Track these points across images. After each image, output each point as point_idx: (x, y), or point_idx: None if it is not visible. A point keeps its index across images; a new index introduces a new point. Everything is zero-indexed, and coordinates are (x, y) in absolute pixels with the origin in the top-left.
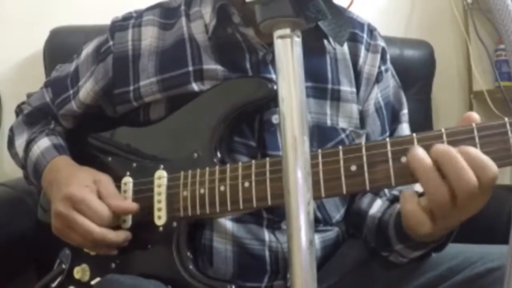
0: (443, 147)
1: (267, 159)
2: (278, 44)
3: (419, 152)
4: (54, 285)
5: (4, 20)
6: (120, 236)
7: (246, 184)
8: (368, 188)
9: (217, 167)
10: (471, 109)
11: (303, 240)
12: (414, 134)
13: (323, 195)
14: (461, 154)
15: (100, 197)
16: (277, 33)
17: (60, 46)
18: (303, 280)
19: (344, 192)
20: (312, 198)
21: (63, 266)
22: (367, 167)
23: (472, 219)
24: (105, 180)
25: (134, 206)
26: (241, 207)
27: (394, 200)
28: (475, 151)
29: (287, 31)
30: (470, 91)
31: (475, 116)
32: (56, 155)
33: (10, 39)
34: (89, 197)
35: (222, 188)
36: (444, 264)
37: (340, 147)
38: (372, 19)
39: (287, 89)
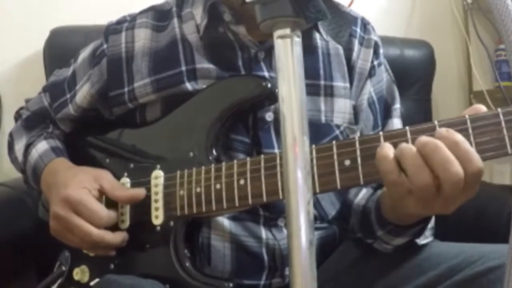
0: (427, 138)
1: (262, 156)
2: (278, 44)
3: (403, 144)
4: (54, 287)
5: (4, 20)
6: (117, 237)
7: (242, 181)
8: (362, 182)
9: (212, 166)
10: None
11: (303, 240)
12: (407, 127)
13: (317, 190)
14: (449, 144)
15: (104, 192)
16: (277, 33)
17: (60, 46)
18: (303, 280)
19: (339, 186)
20: (312, 197)
21: (63, 268)
22: (361, 161)
23: (472, 219)
24: (106, 175)
25: (141, 191)
26: (237, 204)
27: (378, 187)
28: (463, 141)
29: (287, 31)
30: (470, 91)
31: (483, 108)
32: (54, 158)
33: (10, 39)
34: (87, 199)
35: (217, 186)
36: (445, 263)
37: (334, 142)
38: (372, 19)
39: (287, 89)
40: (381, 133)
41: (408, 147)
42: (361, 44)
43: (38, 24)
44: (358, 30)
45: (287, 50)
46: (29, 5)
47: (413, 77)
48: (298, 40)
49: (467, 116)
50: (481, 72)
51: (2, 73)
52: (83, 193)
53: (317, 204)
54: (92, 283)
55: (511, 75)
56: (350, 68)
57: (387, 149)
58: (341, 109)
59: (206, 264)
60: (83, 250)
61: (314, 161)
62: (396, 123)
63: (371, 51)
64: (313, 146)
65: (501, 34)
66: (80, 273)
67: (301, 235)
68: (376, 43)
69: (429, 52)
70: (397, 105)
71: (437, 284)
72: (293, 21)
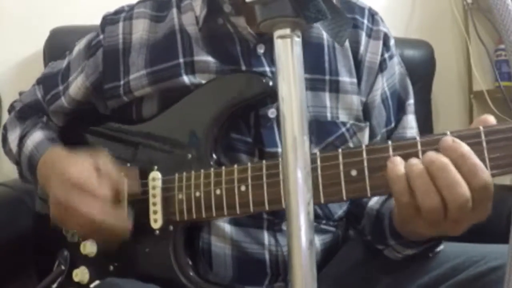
0: (434, 156)
1: (264, 162)
2: (278, 44)
3: (412, 159)
4: (54, 286)
5: (4, 20)
6: (120, 214)
7: (243, 188)
8: (369, 194)
9: (212, 170)
10: (471, 109)
11: (303, 240)
12: (418, 138)
13: (322, 201)
14: (454, 157)
15: (99, 175)
16: (277, 33)
17: (60, 46)
18: (303, 280)
19: (345, 198)
20: (312, 198)
21: (62, 267)
22: (368, 172)
23: None
24: (102, 156)
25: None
26: (238, 212)
27: None
28: (469, 154)
29: (287, 31)
30: (470, 91)
31: (491, 119)
32: (49, 147)
33: (10, 39)
34: (88, 176)
35: (218, 191)
36: (447, 263)
37: (340, 150)
38: None
39: (287, 89)
40: (390, 142)
41: (417, 166)
42: (369, 36)
43: (38, 24)
44: (365, 21)
45: (287, 50)
46: (29, 5)
47: (413, 77)
48: (298, 40)
49: (481, 127)
50: (481, 72)
51: (2, 73)
52: (83, 174)
53: (322, 205)
54: (92, 285)
55: (511, 75)
56: (358, 62)
57: (400, 167)
58: (347, 105)
59: (208, 270)
60: (82, 252)
61: (319, 171)
62: (410, 119)
63: (380, 43)
64: (317, 153)
65: (501, 34)
66: (80, 275)
67: (301, 235)
68: (385, 35)
69: (429, 52)
70: (411, 100)
71: (440, 283)
72: (293, 21)
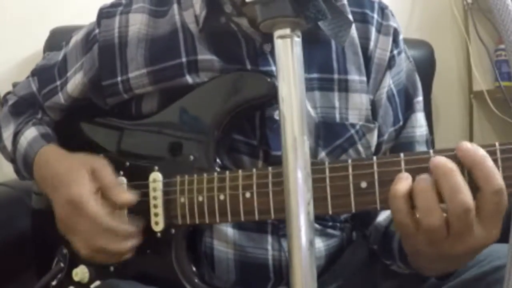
0: (442, 161)
1: (270, 169)
2: (278, 44)
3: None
4: (54, 283)
5: (4, 20)
6: (122, 246)
7: (247, 195)
8: (379, 207)
9: (215, 174)
10: (471, 109)
11: (303, 240)
12: (431, 151)
13: (330, 212)
14: (471, 162)
15: (99, 188)
16: (277, 33)
17: (60, 46)
18: (303, 280)
19: (353, 210)
20: (312, 198)
21: (61, 264)
22: (379, 186)
23: None
24: (102, 169)
25: (131, 197)
26: (243, 219)
27: None
28: (487, 157)
29: (287, 31)
30: (470, 91)
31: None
32: (44, 144)
33: (10, 39)
34: (87, 200)
35: (221, 197)
36: None
37: (349, 161)
38: None
39: (287, 89)
40: (402, 156)
41: (425, 184)
42: (378, 31)
43: (38, 24)
44: (375, 15)
45: (287, 50)
46: (29, 5)
47: None
48: (298, 40)
49: (497, 144)
50: (481, 72)
51: (2, 73)
52: (84, 193)
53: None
54: (92, 286)
55: (511, 75)
56: (368, 59)
57: (401, 185)
58: (357, 105)
59: (212, 274)
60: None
61: (327, 181)
62: (419, 118)
63: (390, 39)
64: (326, 163)
65: (501, 34)
66: (80, 274)
67: (301, 235)
68: (395, 30)
69: (429, 52)
70: (420, 97)
71: (444, 283)
72: (293, 21)
